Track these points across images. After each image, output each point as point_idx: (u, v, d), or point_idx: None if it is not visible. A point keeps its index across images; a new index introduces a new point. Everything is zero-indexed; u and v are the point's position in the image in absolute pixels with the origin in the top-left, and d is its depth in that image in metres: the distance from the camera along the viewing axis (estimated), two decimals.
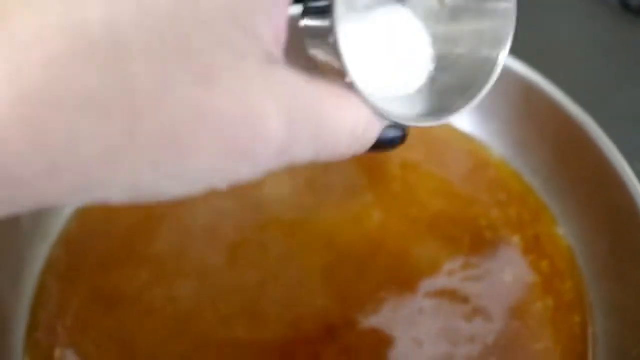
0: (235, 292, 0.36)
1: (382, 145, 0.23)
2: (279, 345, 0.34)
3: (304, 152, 0.20)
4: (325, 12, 0.20)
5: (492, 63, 0.24)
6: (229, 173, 0.19)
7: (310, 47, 0.23)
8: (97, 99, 0.16)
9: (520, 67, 0.39)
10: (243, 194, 0.39)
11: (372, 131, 0.22)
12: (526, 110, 0.40)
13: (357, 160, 0.41)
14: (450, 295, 0.36)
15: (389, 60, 0.24)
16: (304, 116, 0.19)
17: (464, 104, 0.24)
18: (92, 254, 0.38)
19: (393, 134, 0.23)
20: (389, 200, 0.40)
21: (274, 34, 0.19)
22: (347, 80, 0.21)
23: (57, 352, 0.35)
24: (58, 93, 0.16)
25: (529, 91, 0.39)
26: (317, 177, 0.40)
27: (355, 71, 0.21)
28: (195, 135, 0.17)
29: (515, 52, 0.39)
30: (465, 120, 0.42)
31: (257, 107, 0.18)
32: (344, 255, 0.37)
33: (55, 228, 0.39)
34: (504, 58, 0.24)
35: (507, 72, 0.39)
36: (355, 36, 0.24)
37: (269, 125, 0.18)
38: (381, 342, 0.35)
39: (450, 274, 0.37)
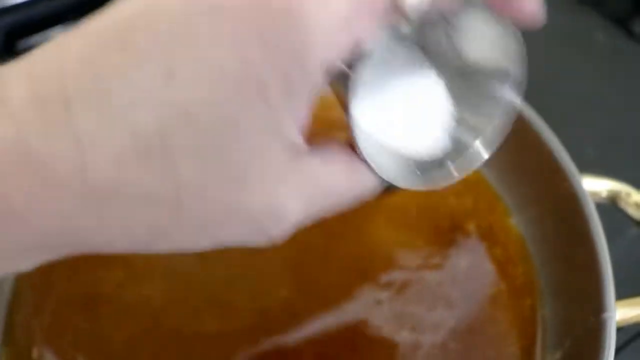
0: (204, 287, 0.37)
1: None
2: (247, 334, 0.35)
3: (312, 220, 0.23)
4: (346, 79, 0.21)
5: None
6: (245, 240, 0.22)
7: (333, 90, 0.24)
8: (151, 195, 0.19)
9: None
10: None
11: (372, 190, 0.24)
12: None
13: None
14: (411, 283, 0.37)
15: (406, 128, 0.25)
16: (320, 198, 0.22)
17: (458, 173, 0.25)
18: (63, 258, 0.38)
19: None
20: None
21: (300, 126, 0.21)
22: (359, 154, 0.22)
23: (35, 352, 0.35)
24: (121, 188, 0.19)
25: None
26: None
27: (366, 145, 0.22)
28: (227, 224, 0.21)
29: None
30: None
31: (281, 203, 0.21)
32: (305, 247, 0.38)
33: None
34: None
35: None
36: (371, 108, 0.24)
37: (290, 217, 0.22)
38: (345, 331, 0.35)
39: (409, 263, 0.38)
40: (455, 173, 0.25)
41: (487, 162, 0.41)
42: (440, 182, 0.25)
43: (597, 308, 0.31)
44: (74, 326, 0.36)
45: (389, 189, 0.24)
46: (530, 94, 0.39)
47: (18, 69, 0.19)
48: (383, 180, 0.23)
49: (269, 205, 0.21)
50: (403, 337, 0.35)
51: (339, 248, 0.38)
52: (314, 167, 0.22)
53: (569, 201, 0.35)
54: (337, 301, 0.36)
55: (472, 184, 0.41)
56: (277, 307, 0.36)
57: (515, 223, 0.40)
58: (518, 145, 0.39)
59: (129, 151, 0.19)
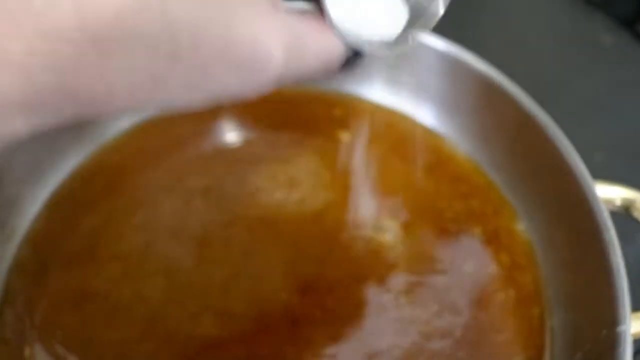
0: (201, 290, 0.35)
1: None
2: (244, 339, 0.34)
3: (291, 77, 0.24)
4: None
5: None
6: (236, 88, 0.22)
7: None
8: (150, 39, 0.20)
9: (481, 65, 0.39)
10: (208, 193, 0.38)
11: (340, 60, 0.25)
12: (487, 107, 0.39)
13: (322, 156, 0.41)
14: (416, 288, 0.36)
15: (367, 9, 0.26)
16: (298, 48, 0.23)
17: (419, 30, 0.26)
18: (58, 253, 0.37)
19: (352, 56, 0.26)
20: (351, 194, 0.39)
21: None
22: (328, 21, 0.24)
23: (27, 350, 0.33)
24: (120, 34, 0.19)
25: (489, 88, 0.38)
26: (280, 173, 0.40)
27: (334, 15, 0.24)
28: (221, 62, 0.21)
29: (475, 47, 0.39)
30: (428, 115, 0.42)
31: (266, 39, 0.22)
32: (305, 250, 0.37)
33: (22, 227, 0.38)
34: None
35: (468, 69, 0.39)
36: None
37: (273, 54, 0.22)
38: (344, 336, 0.34)
39: (414, 267, 0.36)
40: (413, 36, 0.26)
41: (496, 165, 0.40)
42: (401, 47, 0.26)
43: (610, 320, 0.30)
44: (66, 325, 0.34)
45: (354, 60, 0.26)
46: (537, 96, 0.37)
47: None
48: (348, 45, 0.25)
49: (254, 44, 0.22)
50: (407, 342, 0.34)
51: (339, 253, 0.37)
52: (292, 20, 0.23)
53: (581, 207, 0.33)
54: (338, 306, 0.35)
55: (478, 187, 0.40)
56: (274, 311, 0.35)
57: (524, 229, 0.38)
58: (527, 148, 0.38)
59: None
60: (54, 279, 0.36)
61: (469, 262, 0.37)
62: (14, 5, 0.18)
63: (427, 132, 0.42)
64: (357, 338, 0.34)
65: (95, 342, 0.34)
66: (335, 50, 0.25)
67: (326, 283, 0.36)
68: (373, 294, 0.35)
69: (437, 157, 0.41)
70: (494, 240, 0.38)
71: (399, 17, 0.27)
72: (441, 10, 0.26)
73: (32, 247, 0.37)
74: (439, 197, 0.39)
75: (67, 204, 0.38)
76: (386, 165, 0.40)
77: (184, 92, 0.22)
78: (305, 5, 0.25)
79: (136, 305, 0.35)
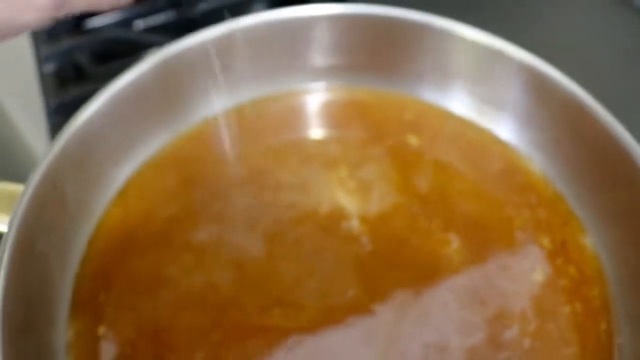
0: (271, 283, 0.36)
1: None
2: (312, 333, 0.34)
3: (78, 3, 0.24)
4: None
5: None
6: (16, 21, 0.23)
7: None
8: None
9: (557, 75, 0.38)
10: (280, 189, 0.39)
11: None
12: (563, 120, 0.38)
13: (391, 159, 0.41)
14: (483, 293, 0.35)
15: None
16: None
17: None
18: (133, 239, 0.37)
19: None
20: (420, 198, 0.39)
21: None
22: None
23: (101, 330, 0.34)
24: None
25: (566, 101, 0.38)
26: (352, 174, 0.40)
27: None
28: None
29: (550, 59, 0.38)
30: (500, 125, 0.41)
31: None
32: (373, 251, 0.37)
33: (98, 211, 0.38)
34: None
35: (543, 79, 0.39)
36: None
37: None
38: (409, 337, 0.34)
39: (481, 272, 0.36)
40: None
41: (566, 178, 0.40)
42: None
43: None
44: (138, 310, 0.35)
45: None
46: (620, 111, 0.37)
47: None
48: None
49: None
50: (471, 346, 0.34)
51: (407, 254, 0.37)
52: None
53: None
54: (404, 304, 0.35)
55: (547, 199, 0.39)
56: (342, 307, 0.35)
57: (592, 243, 0.37)
58: (601, 163, 0.37)
59: None
60: (128, 264, 0.36)
61: (537, 272, 0.36)
62: None
63: (498, 142, 0.41)
64: (419, 334, 0.34)
65: (165, 328, 0.34)
66: None
67: (393, 283, 0.36)
68: (439, 295, 0.35)
69: (507, 167, 0.40)
70: (561, 252, 0.37)
71: None
72: None
73: (108, 232, 0.38)
74: (508, 206, 0.39)
75: (142, 191, 0.39)
76: (455, 171, 0.40)
77: None
78: None
79: (207, 295, 0.35)
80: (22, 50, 0.53)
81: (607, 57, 0.49)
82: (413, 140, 0.41)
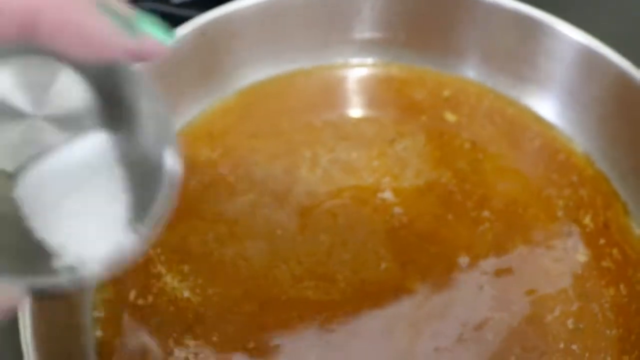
0: (304, 255, 0.34)
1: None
2: (344, 305, 0.33)
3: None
4: None
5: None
6: None
7: None
8: None
9: (607, 51, 0.36)
10: (315, 163, 0.37)
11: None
12: (610, 99, 0.36)
13: (428, 135, 0.39)
14: (518, 273, 0.34)
15: None
16: None
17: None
18: None
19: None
20: (456, 175, 0.37)
21: None
22: None
23: (132, 294, 0.33)
24: None
25: (616, 78, 0.35)
26: (388, 151, 0.38)
27: None
28: None
29: (598, 34, 0.36)
30: (542, 103, 0.39)
31: None
32: (407, 225, 0.35)
33: None
34: None
35: (592, 56, 0.36)
36: None
37: None
38: (443, 314, 0.33)
39: (524, 250, 0.35)
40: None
41: (609, 158, 0.38)
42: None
43: None
44: (167, 282, 0.34)
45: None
46: None
47: None
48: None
49: None
50: (509, 326, 0.32)
51: (442, 230, 0.35)
52: None
53: None
54: (437, 280, 0.34)
55: (588, 177, 0.37)
56: (375, 280, 0.34)
57: (637, 225, 0.35)
58: None
59: None
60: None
61: (581, 252, 0.35)
62: None
63: (538, 120, 0.39)
64: (454, 312, 0.33)
65: (196, 298, 0.33)
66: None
67: (428, 258, 0.34)
68: (474, 274, 0.34)
69: (547, 145, 0.38)
70: (604, 233, 0.35)
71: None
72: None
73: None
74: (548, 185, 0.37)
75: None
76: (494, 149, 0.38)
77: None
78: None
79: (239, 266, 0.34)
80: None
81: None
82: (450, 117, 0.39)
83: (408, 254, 0.34)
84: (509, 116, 0.39)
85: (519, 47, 0.38)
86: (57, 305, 0.31)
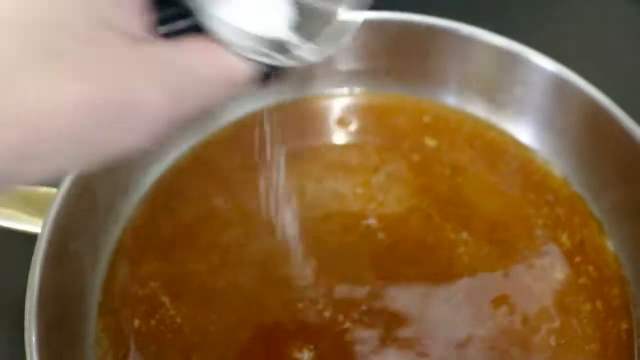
0: (294, 280, 0.35)
1: (262, 81, 0.22)
2: (334, 327, 0.34)
3: (190, 110, 0.20)
4: None
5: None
6: (123, 151, 0.19)
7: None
8: None
9: (577, 80, 0.37)
10: (303, 192, 0.38)
11: (243, 72, 0.20)
12: (583, 124, 0.38)
13: (409, 162, 0.40)
14: (499, 291, 0.35)
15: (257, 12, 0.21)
16: (181, 82, 0.19)
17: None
18: (158, 239, 0.37)
19: (266, 69, 0.21)
20: (436, 198, 0.38)
21: (130, 18, 0.19)
22: (215, 36, 0.20)
23: (136, 322, 0.34)
24: None
25: (587, 106, 0.37)
26: (372, 178, 0.39)
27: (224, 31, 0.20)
28: (73, 126, 0.17)
29: (566, 59, 0.38)
30: (521, 130, 0.40)
31: (136, 93, 0.18)
32: (391, 249, 0.36)
33: (126, 212, 0.38)
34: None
35: (563, 85, 0.38)
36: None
37: (152, 108, 0.18)
38: (424, 335, 0.34)
39: (503, 269, 0.36)
40: (326, 45, 0.21)
41: (585, 180, 0.39)
42: (312, 56, 0.21)
43: None
44: (164, 309, 0.35)
45: (267, 78, 0.21)
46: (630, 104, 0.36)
47: None
48: (251, 60, 0.20)
49: (125, 98, 0.18)
50: (491, 347, 0.33)
51: (424, 254, 0.36)
52: (164, 51, 0.19)
53: None
54: (419, 304, 0.35)
55: (565, 198, 0.38)
56: (360, 302, 0.35)
57: (610, 244, 0.36)
58: (617, 163, 0.36)
59: None
60: (154, 263, 0.36)
61: (558, 269, 0.36)
62: None
63: (516, 143, 0.40)
64: (437, 333, 0.33)
65: (192, 327, 0.34)
66: (236, 70, 0.20)
67: (407, 280, 0.35)
68: (461, 292, 0.35)
69: (524, 167, 0.39)
70: (580, 250, 0.36)
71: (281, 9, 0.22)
72: (357, 20, 0.21)
73: (136, 232, 0.38)
74: (526, 205, 0.38)
75: (170, 193, 0.39)
76: (472, 172, 0.39)
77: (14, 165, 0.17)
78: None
79: (233, 294, 0.35)
80: None
81: (622, 54, 0.48)
82: (430, 142, 0.40)
83: (391, 277, 0.35)
84: (487, 140, 0.40)
85: (496, 76, 0.40)
86: (60, 336, 0.32)
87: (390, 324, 0.34)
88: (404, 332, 0.33)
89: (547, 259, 0.36)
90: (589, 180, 0.38)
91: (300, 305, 0.34)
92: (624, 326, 0.34)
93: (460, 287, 0.35)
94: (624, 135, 0.35)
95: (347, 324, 0.34)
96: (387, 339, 0.33)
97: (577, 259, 0.36)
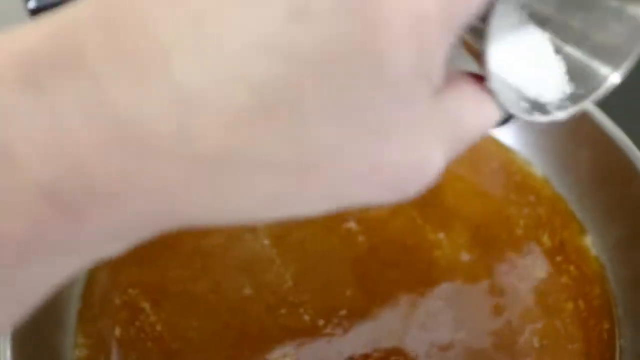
0: (276, 284, 0.35)
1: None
2: (316, 331, 0.33)
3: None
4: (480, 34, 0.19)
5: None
6: (375, 203, 0.17)
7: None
8: (274, 161, 0.15)
9: None
10: None
11: (496, 120, 0.20)
12: (566, 126, 0.37)
13: None
14: (485, 292, 0.35)
15: (526, 71, 0.22)
16: (458, 139, 0.18)
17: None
18: (142, 245, 0.36)
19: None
20: (417, 200, 0.38)
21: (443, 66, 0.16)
22: (487, 85, 0.19)
23: (117, 331, 0.33)
24: (236, 156, 0.14)
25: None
26: None
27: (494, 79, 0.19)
28: (362, 185, 0.16)
29: None
30: (502, 130, 0.40)
31: (426, 151, 0.17)
32: (372, 252, 0.36)
33: None
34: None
35: None
36: (498, 52, 0.21)
37: (435, 165, 0.17)
38: (406, 337, 0.33)
39: (486, 270, 0.35)
40: (581, 103, 0.21)
41: (566, 181, 0.39)
42: (562, 116, 0.22)
43: None
44: (146, 315, 0.34)
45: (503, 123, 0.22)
46: (624, 120, 0.36)
47: (88, 12, 0.14)
48: (507, 111, 0.20)
49: (413, 154, 0.16)
50: (485, 345, 0.33)
51: (406, 257, 0.36)
52: (452, 104, 0.17)
53: None
54: (401, 306, 0.34)
55: (546, 198, 0.38)
56: (341, 306, 0.34)
57: (591, 245, 0.36)
58: (597, 163, 0.36)
59: (246, 110, 0.14)
60: (134, 270, 0.35)
61: (540, 269, 0.35)
62: (101, 124, 0.14)
63: (497, 144, 0.40)
64: (419, 335, 0.33)
65: (174, 333, 0.33)
66: (492, 119, 0.19)
67: (388, 283, 0.35)
68: (443, 294, 0.34)
69: (505, 167, 0.39)
70: (561, 250, 0.36)
71: (556, 78, 0.22)
72: (616, 79, 0.21)
73: None
74: (507, 205, 0.38)
75: None
76: (455, 172, 0.39)
77: (306, 209, 0.17)
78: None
79: (215, 300, 0.34)
80: None
81: None
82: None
83: (371, 281, 0.35)
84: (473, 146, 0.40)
85: None
86: (37, 347, 0.31)
87: (372, 328, 0.33)
88: (385, 336, 0.33)
89: (529, 258, 0.36)
90: (571, 182, 0.38)
91: (282, 311, 0.34)
92: (606, 326, 0.33)
93: (443, 289, 0.35)
94: (604, 136, 0.35)
95: (328, 329, 0.33)
96: (369, 343, 0.33)
97: (558, 258, 0.36)
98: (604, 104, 0.36)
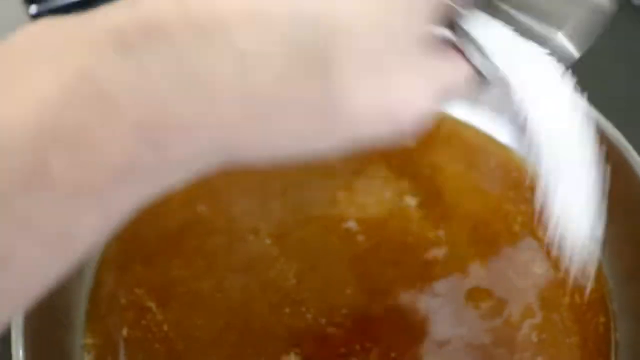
0: (279, 283, 0.35)
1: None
2: (318, 330, 0.34)
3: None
4: None
5: None
6: (382, 139, 0.21)
7: None
8: (312, 106, 0.19)
9: None
10: (285, 195, 0.38)
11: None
12: None
13: (388, 163, 0.40)
14: (484, 288, 0.35)
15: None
16: (441, 84, 0.22)
17: None
18: (145, 246, 0.37)
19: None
20: (418, 199, 0.39)
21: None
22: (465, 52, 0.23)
23: (125, 331, 0.34)
24: (282, 103, 0.19)
25: None
26: (352, 180, 0.39)
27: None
28: (371, 118, 0.20)
29: None
30: (499, 128, 0.40)
31: (415, 88, 0.21)
32: (372, 252, 0.37)
33: None
34: None
35: None
36: None
37: (423, 100, 0.21)
38: (406, 337, 0.34)
39: (485, 266, 0.36)
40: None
41: None
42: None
43: None
44: (152, 315, 0.35)
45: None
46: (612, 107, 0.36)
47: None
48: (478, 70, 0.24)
49: (407, 95, 0.21)
50: (484, 341, 0.33)
51: (406, 256, 0.37)
52: (435, 59, 0.22)
53: None
54: (401, 305, 0.35)
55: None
56: (341, 305, 0.35)
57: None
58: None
59: (292, 68, 0.19)
60: (140, 270, 0.36)
61: (538, 264, 0.36)
62: (182, 77, 0.18)
63: (493, 142, 0.40)
64: (419, 332, 0.34)
65: (179, 333, 0.34)
66: (465, 74, 0.23)
67: (387, 282, 0.35)
68: (443, 291, 0.35)
69: (502, 165, 0.40)
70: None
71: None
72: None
73: (122, 239, 0.37)
74: (506, 201, 0.38)
75: (154, 200, 0.38)
76: (453, 171, 0.40)
77: (333, 143, 0.21)
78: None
79: (218, 299, 0.35)
80: None
81: (607, 58, 0.48)
82: (410, 143, 0.41)
83: (371, 279, 0.35)
84: (465, 139, 0.41)
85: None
86: (48, 347, 0.32)
87: (372, 326, 0.34)
88: (386, 334, 0.34)
89: (527, 254, 0.36)
90: None
91: (286, 309, 0.34)
92: (602, 319, 0.34)
93: (442, 285, 0.35)
94: (599, 132, 0.35)
95: (330, 328, 0.34)
96: (370, 341, 0.33)
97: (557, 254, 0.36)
98: (604, 104, 0.36)
